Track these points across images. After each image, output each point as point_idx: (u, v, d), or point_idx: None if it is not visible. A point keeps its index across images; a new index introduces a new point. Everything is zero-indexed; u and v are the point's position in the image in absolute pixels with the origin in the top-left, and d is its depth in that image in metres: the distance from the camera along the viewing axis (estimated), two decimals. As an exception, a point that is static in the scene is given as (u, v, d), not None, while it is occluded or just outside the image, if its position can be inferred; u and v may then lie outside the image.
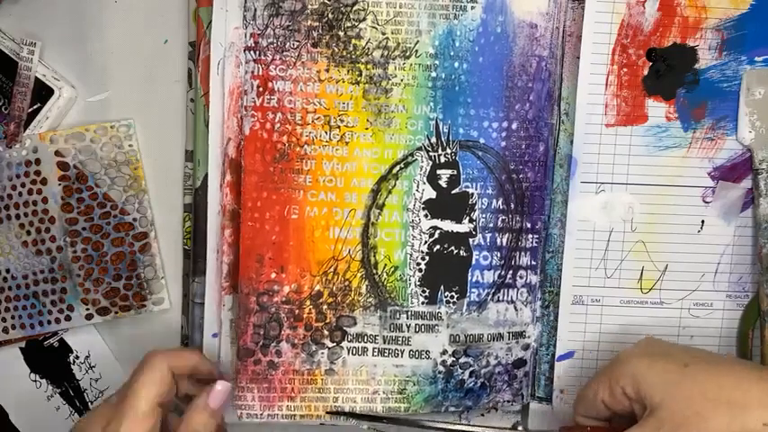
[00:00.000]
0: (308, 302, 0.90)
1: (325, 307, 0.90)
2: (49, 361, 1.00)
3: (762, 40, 0.91)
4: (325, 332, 0.90)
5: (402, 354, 0.91)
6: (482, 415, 0.95)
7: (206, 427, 0.80)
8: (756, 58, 0.91)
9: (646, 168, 0.92)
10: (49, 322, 0.97)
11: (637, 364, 0.78)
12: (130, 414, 0.77)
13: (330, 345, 0.91)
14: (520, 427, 0.94)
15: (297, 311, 0.90)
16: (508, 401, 0.94)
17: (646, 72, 0.91)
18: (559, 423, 0.91)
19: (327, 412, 0.91)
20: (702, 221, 0.93)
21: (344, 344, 0.91)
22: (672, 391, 0.75)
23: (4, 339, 0.98)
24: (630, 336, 0.93)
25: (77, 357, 1.00)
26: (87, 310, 0.96)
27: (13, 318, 0.97)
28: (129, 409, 0.78)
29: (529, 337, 0.93)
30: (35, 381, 1.00)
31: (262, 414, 0.91)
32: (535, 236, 0.92)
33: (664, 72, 0.91)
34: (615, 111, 0.91)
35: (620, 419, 0.82)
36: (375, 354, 0.91)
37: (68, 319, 0.96)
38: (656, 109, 0.91)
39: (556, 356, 0.94)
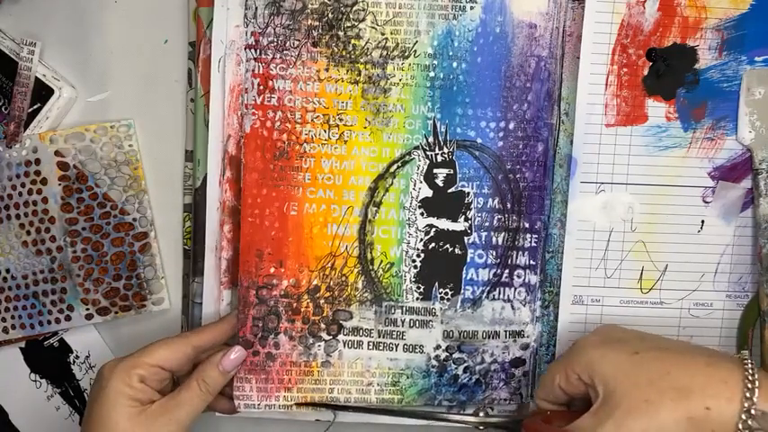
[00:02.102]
0: (305, 296, 0.95)
1: (322, 301, 0.95)
2: (49, 361, 1.04)
3: (762, 40, 0.95)
4: (322, 325, 0.96)
5: (396, 348, 0.96)
6: (478, 414, 0.99)
7: (214, 381, 0.90)
8: (756, 58, 0.95)
9: (646, 168, 0.96)
10: (49, 322, 1.01)
11: (591, 352, 0.83)
12: (128, 360, 0.88)
13: (327, 338, 0.96)
14: (481, 413, 0.98)
15: (295, 305, 0.95)
16: (505, 400, 0.98)
17: (646, 72, 0.95)
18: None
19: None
20: (702, 221, 0.97)
21: (341, 337, 0.96)
22: (622, 378, 0.79)
23: (4, 339, 1.03)
24: (630, 336, 0.97)
25: (77, 357, 1.04)
26: (87, 310, 1.00)
27: (13, 318, 1.02)
28: (129, 357, 0.89)
29: (528, 336, 0.97)
30: (35, 381, 1.05)
31: (259, 404, 0.97)
32: (534, 236, 0.96)
33: (664, 72, 0.95)
34: (615, 111, 0.95)
35: (578, 403, 0.87)
36: (370, 347, 0.96)
37: (68, 319, 1.01)
38: (656, 109, 0.96)
39: (556, 356, 0.98)
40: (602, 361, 0.82)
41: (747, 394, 0.75)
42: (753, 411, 0.75)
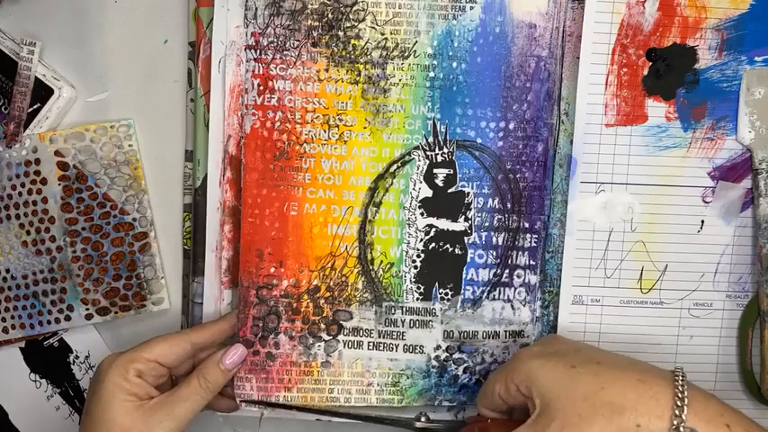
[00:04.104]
0: (305, 296, 0.96)
1: (322, 301, 0.96)
2: (49, 361, 1.05)
3: (762, 40, 0.96)
4: (322, 326, 0.96)
5: (396, 348, 0.97)
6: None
7: (215, 378, 0.91)
8: (756, 58, 0.96)
9: (646, 168, 0.97)
10: (48, 322, 1.02)
11: (529, 364, 0.84)
12: (126, 354, 0.89)
13: (327, 338, 0.96)
14: (423, 419, 0.98)
15: (295, 305, 0.96)
16: (505, 400, 0.99)
17: (646, 72, 0.96)
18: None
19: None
20: (702, 221, 0.97)
21: (341, 337, 0.97)
22: (558, 392, 0.80)
23: (4, 339, 1.03)
24: (630, 336, 0.98)
25: (77, 357, 1.05)
26: (87, 310, 1.01)
27: (13, 318, 1.02)
28: (128, 351, 0.90)
29: (528, 336, 0.98)
30: (35, 381, 1.05)
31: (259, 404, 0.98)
32: (534, 236, 0.96)
33: (664, 72, 0.96)
34: (615, 111, 0.96)
35: (519, 413, 0.88)
36: (370, 347, 0.97)
37: (68, 319, 1.01)
38: (656, 109, 0.96)
39: (554, 356, 0.99)
40: (539, 373, 0.83)
41: (677, 411, 0.76)
42: (681, 429, 0.75)
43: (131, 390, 0.87)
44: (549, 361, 0.83)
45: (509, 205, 0.96)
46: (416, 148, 0.95)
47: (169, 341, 0.90)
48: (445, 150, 0.95)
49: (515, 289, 0.97)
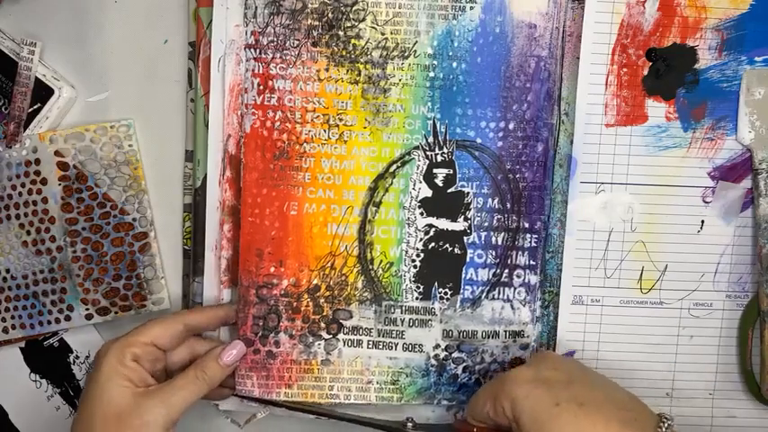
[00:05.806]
0: (305, 296, 0.96)
1: (322, 300, 0.96)
2: (49, 361, 1.05)
3: (762, 40, 0.96)
4: (322, 324, 0.97)
5: (396, 347, 0.97)
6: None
7: (213, 372, 0.91)
8: (756, 58, 0.96)
9: (645, 168, 0.97)
10: (49, 322, 1.02)
11: (517, 390, 0.84)
12: (122, 339, 0.89)
13: (326, 336, 0.97)
14: (410, 424, 0.97)
15: (295, 304, 0.96)
16: (505, 399, 0.99)
17: (646, 72, 0.96)
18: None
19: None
20: (702, 221, 0.98)
21: (340, 336, 0.97)
22: (537, 428, 0.80)
23: (4, 339, 1.03)
24: (630, 336, 0.99)
25: (77, 357, 1.05)
26: (87, 310, 1.01)
27: (13, 318, 1.02)
28: (124, 336, 0.90)
29: (528, 336, 0.98)
30: (35, 381, 1.05)
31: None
32: (534, 236, 0.97)
33: (664, 72, 0.96)
34: (615, 111, 0.96)
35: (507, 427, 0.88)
36: (370, 346, 0.97)
37: (68, 319, 1.02)
38: (656, 109, 0.97)
39: (555, 357, 0.99)
40: (524, 402, 0.82)
41: None
42: None
43: (128, 375, 0.87)
44: (536, 388, 0.83)
45: (509, 205, 0.96)
46: (416, 147, 0.95)
47: (164, 324, 0.91)
48: (445, 150, 0.95)
49: (515, 289, 0.97)
